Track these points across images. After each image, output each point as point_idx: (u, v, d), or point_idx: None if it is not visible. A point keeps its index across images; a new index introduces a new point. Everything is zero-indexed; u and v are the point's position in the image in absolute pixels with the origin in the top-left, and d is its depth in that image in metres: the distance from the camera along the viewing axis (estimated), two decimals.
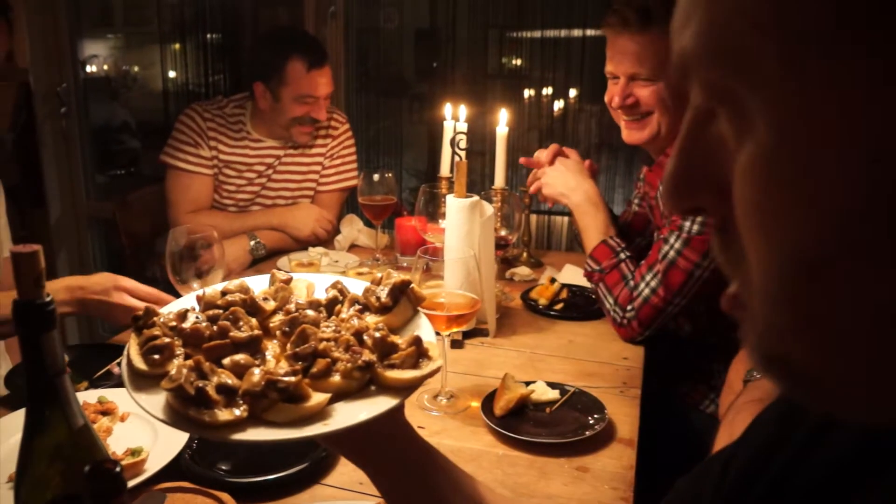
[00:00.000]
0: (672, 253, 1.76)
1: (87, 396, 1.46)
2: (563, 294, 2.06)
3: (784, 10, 0.34)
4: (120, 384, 1.57)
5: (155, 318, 0.92)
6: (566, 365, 1.72)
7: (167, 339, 0.88)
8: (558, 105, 3.39)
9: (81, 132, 3.63)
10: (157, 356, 0.86)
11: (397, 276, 1.00)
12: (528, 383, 1.51)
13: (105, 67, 4.37)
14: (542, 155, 2.14)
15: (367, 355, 0.87)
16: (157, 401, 0.83)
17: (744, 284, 0.41)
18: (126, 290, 1.66)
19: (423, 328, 0.98)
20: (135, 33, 4.53)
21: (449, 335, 1.48)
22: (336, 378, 0.85)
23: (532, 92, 3.42)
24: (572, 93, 3.36)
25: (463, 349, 1.79)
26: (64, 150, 3.56)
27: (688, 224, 1.74)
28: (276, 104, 2.62)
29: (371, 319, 0.96)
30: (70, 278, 1.67)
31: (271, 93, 2.61)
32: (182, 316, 0.93)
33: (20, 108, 3.54)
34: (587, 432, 1.37)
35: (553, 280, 2.09)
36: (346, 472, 1.30)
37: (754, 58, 0.35)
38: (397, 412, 0.88)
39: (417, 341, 0.89)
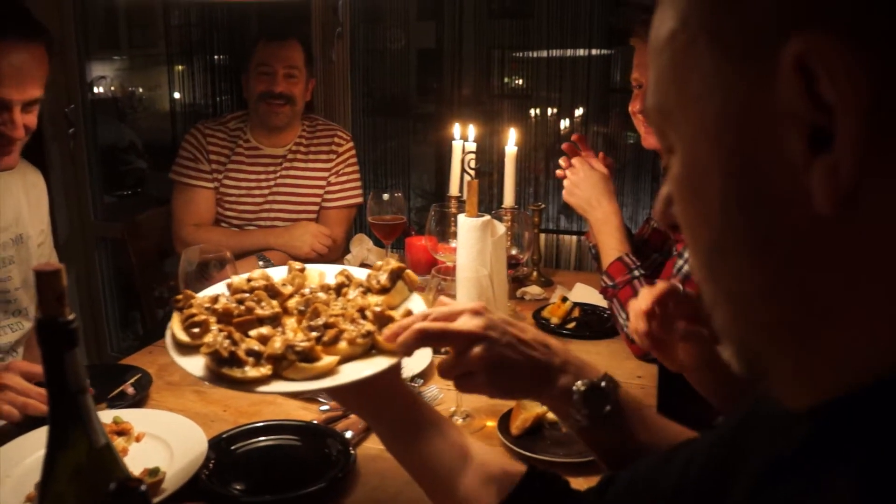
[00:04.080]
0: (686, 267, 1.75)
1: (102, 416, 1.45)
2: (576, 313, 2.06)
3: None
4: (134, 405, 1.58)
5: (192, 301, 1.12)
6: None
7: (204, 317, 1.08)
8: (564, 124, 3.40)
9: (89, 153, 3.64)
10: (196, 329, 1.06)
11: (395, 263, 1.19)
12: None
13: (112, 89, 4.41)
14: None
15: (368, 325, 1.06)
16: (196, 364, 1.02)
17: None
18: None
19: (415, 304, 1.17)
20: (140, 55, 4.57)
21: None
22: (343, 344, 1.04)
23: (538, 111, 3.43)
24: (578, 112, 3.38)
25: None
26: (72, 170, 3.57)
27: None
28: (250, 90, 2.73)
29: (373, 299, 1.15)
30: None
31: (248, 78, 2.73)
32: (214, 299, 1.13)
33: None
34: None
35: (565, 299, 2.09)
36: (364, 492, 1.29)
37: (671, 111, 0.52)
38: (395, 373, 1.05)
39: (408, 314, 1.08)
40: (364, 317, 1.09)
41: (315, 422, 1.49)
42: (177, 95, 3.94)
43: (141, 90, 4.68)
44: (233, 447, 1.40)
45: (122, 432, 1.41)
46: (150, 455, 1.35)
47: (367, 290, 1.17)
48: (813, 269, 0.47)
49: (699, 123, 0.49)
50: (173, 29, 3.88)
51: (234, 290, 1.17)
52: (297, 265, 1.27)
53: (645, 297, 1.31)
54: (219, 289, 1.22)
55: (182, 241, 2.63)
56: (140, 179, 4.39)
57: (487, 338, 0.99)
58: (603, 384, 1.02)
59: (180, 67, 3.86)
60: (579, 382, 1.02)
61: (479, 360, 0.99)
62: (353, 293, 1.17)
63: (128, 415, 1.47)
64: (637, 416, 1.03)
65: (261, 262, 2.54)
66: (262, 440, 1.43)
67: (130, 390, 1.64)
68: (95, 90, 4.11)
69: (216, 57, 3.77)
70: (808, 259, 0.46)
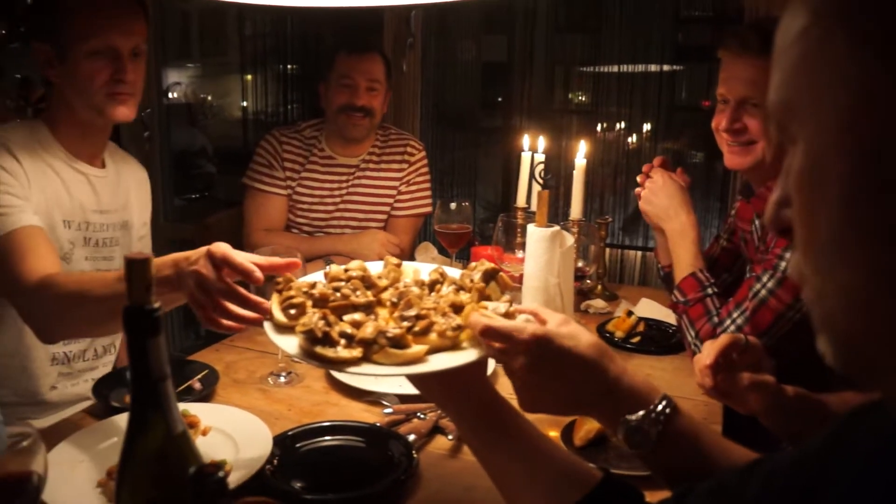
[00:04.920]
0: (763, 292, 1.71)
1: None
2: (641, 327, 2.04)
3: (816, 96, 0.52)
4: (201, 400, 1.61)
5: (291, 284, 1.18)
6: None
7: (301, 299, 1.13)
8: (632, 140, 3.37)
9: (162, 156, 3.73)
10: (293, 311, 1.11)
11: (488, 264, 1.21)
12: None
13: (185, 95, 4.52)
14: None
15: (459, 319, 1.08)
16: (291, 343, 1.07)
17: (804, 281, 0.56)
18: (218, 258, 1.29)
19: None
20: (211, 63, 4.68)
21: None
22: (433, 336, 1.06)
23: (604, 126, 3.42)
24: (645, 127, 3.35)
25: None
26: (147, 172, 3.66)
27: (783, 264, 1.69)
28: (328, 100, 2.74)
29: (465, 297, 1.16)
30: (178, 253, 1.38)
31: (326, 88, 2.75)
32: (312, 285, 1.17)
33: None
34: None
35: (630, 313, 2.06)
36: (425, 495, 1.30)
37: (798, 104, 0.53)
38: (481, 368, 1.08)
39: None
40: (456, 312, 1.11)
41: (378, 424, 1.49)
42: (244, 103, 4.03)
43: (210, 97, 4.79)
44: (297, 445, 1.42)
45: (190, 425, 1.43)
46: (217, 448, 1.38)
47: (460, 288, 1.19)
48: None
49: (831, 113, 0.50)
50: (246, 39, 3.97)
51: (331, 278, 1.21)
52: (394, 260, 1.31)
53: (708, 352, 1.33)
54: (316, 277, 1.26)
55: (253, 246, 2.66)
56: (209, 183, 4.48)
57: (524, 382, 1.02)
58: (653, 414, 0.99)
59: (250, 77, 3.95)
60: (628, 418, 1.00)
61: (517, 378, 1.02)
62: (445, 290, 1.19)
63: (195, 408, 1.50)
64: (695, 443, 1.00)
65: (328, 267, 2.57)
66: (327, 440, 1.44)
67: (197, 385, 1.67)
68: (170, 95, 4.22)
69: (288, 66, 3.84)
70: None
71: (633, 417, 1.00)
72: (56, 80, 1.86)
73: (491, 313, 1.06)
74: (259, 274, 1.27)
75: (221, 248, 1.29)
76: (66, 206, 1.88)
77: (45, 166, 1.84)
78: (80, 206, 1.91)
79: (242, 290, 1.26)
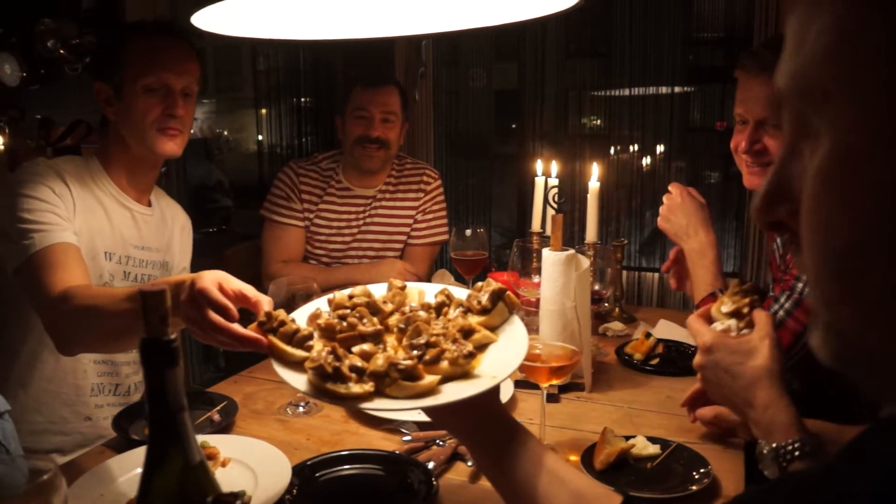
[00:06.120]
0: (781, 313, 1.69)
1: None
2: (659, 349, 2.02)
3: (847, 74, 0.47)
4: (220, 431, 1.61)
5: (283, 319, 1.14)
6: (664, 420, 1.67)
7: (309, 331, 1.11)
8: (646, 162, 3.38)
9: (179, 191, 3.76)
10: (310, 342, 1.10)
11: (495, 284, 1.19)
12: (627, 438, 1.48)
13: (202, 130, 4.57)
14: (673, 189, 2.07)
15: (469, 346, 1.07)
16: (300, 379, 1.05)
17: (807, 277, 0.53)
18: (196, 293, 1.26)
19: (516, 325, 1.17)
20: (226, 99, 4.73)
21: (547, 387, 1.46)
22: (444, 364, 1.05)
23: (618, 149, 3.42)
24: (659, 149, 3.35)
25: (559, 403, 1.76)
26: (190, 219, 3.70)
27: (800, 285, 1.68)
28: (344, 132, 2.77)
29: (473, 319, 1.15)
30: (175, 277, 1.41)
31: (343, 121, 2.78)
32: (316, 315, 1.16)
33: None
34: (693, 487, 1.32)
35: (648, 335, 2.05)
36: None
37: (826, 95, 0.48)
38: (494, 395, 1.07)
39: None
40: (465, 337, 1.10)
41: (397, 452, 1.49)
42: (259, 137, 4.07)
43: (226, 132, 4.84)
44: (317, 474, 1.41)
45: (209, 457, 1.43)
46: (236, 479, 1.37)
47: (468, 310, 1.18)
48: None
49: (869, 102, 0.46)
50: (260, 74, 4.02)
51: (335, 305, 1.19)
52: (398, 283, 1.28)
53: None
54: (320, 304, 1.25)
55: (270, 278, 2.67)
56: (226, 217, 4.52)
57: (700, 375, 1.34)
58: (782, 451, 1.13)
59: (264, 111, 3.99)
60: (760, 443, 1.16)
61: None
62: (453, 313, 1.17)
63: (214, 440, 1.50)
64: None
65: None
66: (346, 468, 1.44)
67: (216, 417, 1.67)
68: None
69: (302, 100, 3.88)
70: None
71: (765, 446, 1.15)
72: (113, 117, 1.97)
73: (715, 310, 1.37)
74: (234, 312, 1.24)
75: (202, 281, 1.26)
76: (107, 238, 1.94)
77: (93, 198, 1.93)
78: (122, 238, 1.98)
79: (232, 328, 1.22)
